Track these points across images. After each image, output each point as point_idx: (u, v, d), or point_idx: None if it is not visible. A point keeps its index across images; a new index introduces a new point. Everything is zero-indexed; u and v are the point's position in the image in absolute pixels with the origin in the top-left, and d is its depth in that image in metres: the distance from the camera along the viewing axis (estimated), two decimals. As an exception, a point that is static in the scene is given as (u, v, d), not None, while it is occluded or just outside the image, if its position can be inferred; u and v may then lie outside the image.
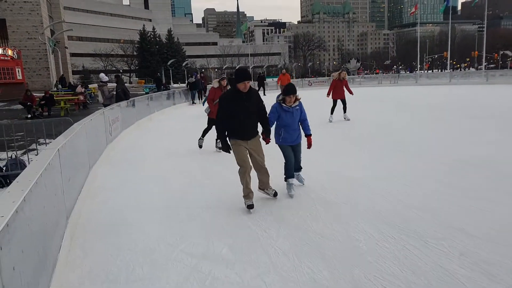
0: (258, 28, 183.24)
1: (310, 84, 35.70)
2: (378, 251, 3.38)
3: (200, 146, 8.50)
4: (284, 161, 5.22)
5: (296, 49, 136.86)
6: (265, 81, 29.42)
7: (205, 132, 8.62)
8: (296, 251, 3.46)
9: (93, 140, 6.92)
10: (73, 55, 70.23)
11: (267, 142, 4.84)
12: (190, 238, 3.87)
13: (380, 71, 74.72)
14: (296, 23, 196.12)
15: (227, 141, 4.58)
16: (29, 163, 6.57)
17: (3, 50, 31.49)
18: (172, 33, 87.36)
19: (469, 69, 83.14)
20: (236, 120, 4.46)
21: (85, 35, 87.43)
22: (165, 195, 5.41)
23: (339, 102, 12.19)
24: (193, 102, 22.30)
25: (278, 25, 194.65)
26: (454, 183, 5.27)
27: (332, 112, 12.20)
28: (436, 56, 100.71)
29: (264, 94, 28.06)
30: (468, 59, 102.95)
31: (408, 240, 3.55)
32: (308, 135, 5.21)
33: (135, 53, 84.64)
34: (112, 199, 5.27)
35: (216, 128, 4.75)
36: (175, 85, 50.34)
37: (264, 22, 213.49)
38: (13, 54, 32.03)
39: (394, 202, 4.61)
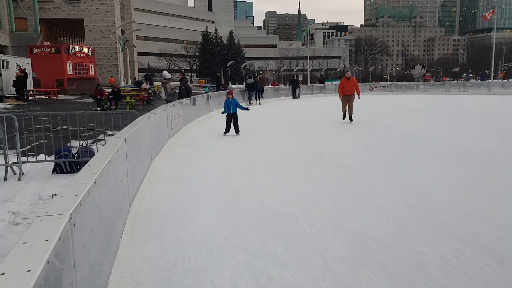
0: (318, 31, 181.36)
1: (371, 88, 34.63)
2: (445, 267, 3.13)
3: None
4: None
5: (357, 53, 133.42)
6: (299, 85, 29.35)
7: None
8: (354, 258, 3.31)
9: (156, 133, 7.19)
10: (139, 53, 74.16)
11: None
12: (244, 235, 3.86)
13: (448, 79, 70.46)
14: (359, 26, 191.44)
15: None
16: (97, 152, 6.99)
17: (80, 47, 33.99)
18: (233, 35, 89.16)
19: (551, 78, 75.66)
20: None
21: (152, 35, 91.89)
22: (221, 191, 5.47)
23: None
24: (250, 103, 22.54)
25: (340, 28, 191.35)
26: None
27: None
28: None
29: (298, 97, 27.55)
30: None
31: (480, 257, 3.25)
32: None
33: (197, 53, 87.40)
34: (171, 191, 5.43)
35: None
36: (233, 86, 51.28)
37: (325, 25, 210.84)
38: (88, 51, 34.46)
39: (463, 215, 4.28)
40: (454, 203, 4.70)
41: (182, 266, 3.23)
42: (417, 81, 50.56)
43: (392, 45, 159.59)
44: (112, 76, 40.52)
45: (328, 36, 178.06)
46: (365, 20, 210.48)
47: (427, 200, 4.87)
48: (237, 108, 10.66)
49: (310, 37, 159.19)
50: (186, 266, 3.22)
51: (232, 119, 10.49)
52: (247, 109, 11.33)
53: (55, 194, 5.43)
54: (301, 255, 3.41)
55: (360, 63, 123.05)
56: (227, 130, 10.54)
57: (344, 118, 13.26)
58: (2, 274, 1.27)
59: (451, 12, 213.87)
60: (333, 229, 3.98)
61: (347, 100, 13.20)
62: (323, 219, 4.29)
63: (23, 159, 6.84)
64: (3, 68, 22.52)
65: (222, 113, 10.91)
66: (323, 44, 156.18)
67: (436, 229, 3.92)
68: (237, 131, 10.49)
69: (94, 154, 6.29)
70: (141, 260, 3.33)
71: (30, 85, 24.56)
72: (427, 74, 72.91)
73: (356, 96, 13.00)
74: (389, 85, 37.00)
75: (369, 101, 24.81)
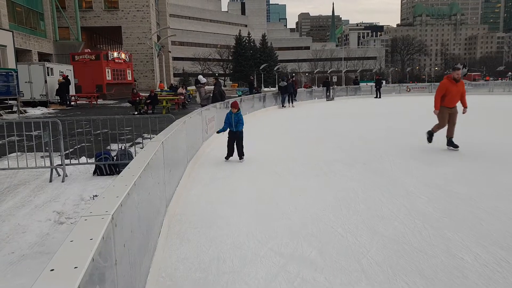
0: (353, 31, 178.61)
1: (408, 90, 33.66)
2: (488, 274, 3.01)
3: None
4: None
5: (394, 54, 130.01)
6: (332, 87, 28.93)
7: None
8: (390, 264, 3.25)
9: (191, 136, 7.35)
10: (174, 58, 75.70)
11: None
12: (278, 237, 3.87)
13: (491, 78, 67.08)
14: (395, 26, 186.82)
15: None
16: (135, 155, 7.23)
17: (118, 53, 35.27)
18: (266, 38, 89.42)
19: None
20: None
21: (186, 40, 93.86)
22: (255, 193, 5.51)
23: None
24: (283, 106, 22.52)
25: (375, 29, 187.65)
26: None
27: None
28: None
29: (332, 99, 27.23)
30: None
31: (526, 266, 3.10)
32: None
33: (230, 57, 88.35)
34: (206, 193, 5.53)
35: None
36: (266, 89, 51.43)
37: (360, 25, 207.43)
38: (126, 58, 35.68)
39: (506, 222, 4.09)
40: (497, 209, 4.49)
41: (217, 267, 3.29)
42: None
43: (430, 44, 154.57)
44: (161, 82, 41.81)
45: (363, 37, 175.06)
46: (401, 20, 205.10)
47: (468, 205, 4.68)
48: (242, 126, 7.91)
49: (345, 38, 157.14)
50: (221, 267, 3.28)
51: (235, 139, 7.77)
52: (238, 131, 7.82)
53: (96, 195, 5.67)
54: (335, 259, 3.38)
55: (396, 64, 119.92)
56: (230, 153, 7.84)
57: (430, 140, 8.43)
58: (52, 270, 1.35)
59: (495, 8, 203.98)
60: (369, 234, 3.91)
61: (449, 116, 8.09)
62: (358, 223, 4.23)
63: (67, 161, 7.19)
64: (48, 75, 23.71)
65: (218, 132, 8.24)
66: (358, 45, 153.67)
67: (477, 235, 3.77)
68: (241, 155, 7.77)
69: (133, 157, 6.52)
70: (178, 261, 3.42)
71: (72, 90, 25.74)
72: (475, 73, 69.90)
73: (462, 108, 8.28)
74: (427, 85, 35.74)
75: (406, 102, 24.20)
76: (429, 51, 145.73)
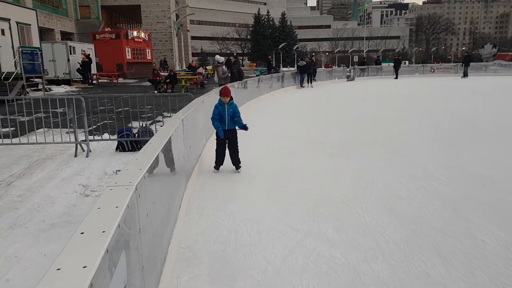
0: (376, 9, 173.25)
1: (432, 70, 32.70)
2: (508, 256, 2.99)
3: None
4: None
5: (418, 33, 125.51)
6: (353, 67, 27.98)
7: None
8: (408, 242, 3.26)
9: (209, 115, 7.38)
10: (193, 38, 75.35)
11: None
12: (295, 214, 3.93)
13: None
14: (421, 4, 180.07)
15: None
16: (155, 132, 7.34)
17: (137, 32, 35.31)
18: (285, 16, 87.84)
19: None
20: None
21: (205, 19, 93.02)
22: (273, 172, 5.55)
23: None
24: (301, 86, 22.28)
25: (399, 6, 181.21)
26: None
27: None
28: None
29: (353, 79, 26.73)
30: None
31: (547, 247, 3.07)
32: None
33: (248, 36, 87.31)
34: (224, 170, 5.60)
35: None
36: (284, 69, 50.84)
37: (384, 3, 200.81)
38: (145, 37, 35.71)
39: (529, 205, 4.02)
40: (520, 190, 4.41)
41: (235, 240, 3.37)
42: (487, 61, 46.54)
43: (458, 22, 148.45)
44: (193, 61, 41.83)
45: (387, 15, 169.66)
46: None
47: (491, 188, 4.62)
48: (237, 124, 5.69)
49: (367, 17, 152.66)
50: (239, 241, 3.36)
51: (228, 142, 5.62)
52: (245, 128, 5.73)
53: (119, 170, 5.83)
54: (351, 236, 3.42)
55: (420, 43, 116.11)
56: (219, 161, 5.64)
57: None
58: (82, 233, 1.43)
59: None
60: (386, 213, 3.92)
61: None
62: (376, 202, 4.23)
63: (90, 137, 7.36)
64: (70, 54, 24.06)
65: (218, 133, 5.56)
66: (381, 24, 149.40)
67: (499, 217, 3.72)
68: (237, 162, 5.61)
69: (153, 134, 6.63)
70: (197, 233, 3.52)
71: (93, 69, 26.08)
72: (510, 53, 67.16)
73: None
74: (453, 66, 34.57)
75: (429, 83, 23.60)
76: (457, 30, 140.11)
